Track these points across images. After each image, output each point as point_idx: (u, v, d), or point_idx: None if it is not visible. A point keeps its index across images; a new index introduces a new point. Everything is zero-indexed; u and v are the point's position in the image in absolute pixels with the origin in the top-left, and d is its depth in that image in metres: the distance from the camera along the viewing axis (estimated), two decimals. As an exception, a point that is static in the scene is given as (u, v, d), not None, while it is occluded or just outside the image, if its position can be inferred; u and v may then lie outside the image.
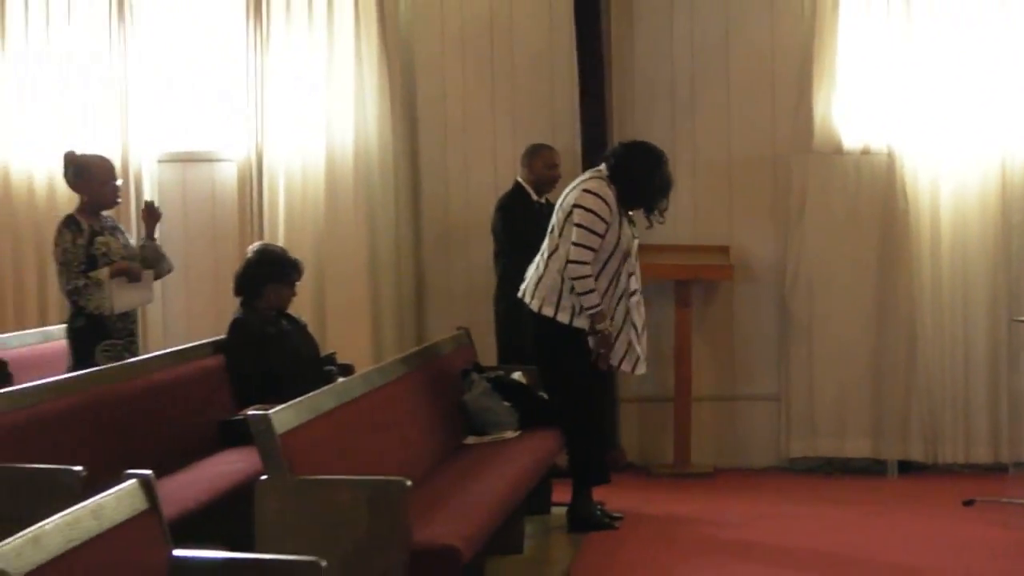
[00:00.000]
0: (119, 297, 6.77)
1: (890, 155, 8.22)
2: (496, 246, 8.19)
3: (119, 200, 7.22)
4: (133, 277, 6.85)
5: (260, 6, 8.59)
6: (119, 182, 7.22)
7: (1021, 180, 8.27)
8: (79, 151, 7.09)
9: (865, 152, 8.31)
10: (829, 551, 6.80)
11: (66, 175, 6.96)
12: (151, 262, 7.03)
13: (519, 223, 7.95)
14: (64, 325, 7.28)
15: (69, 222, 6.79)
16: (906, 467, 8.36)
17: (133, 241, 7.34)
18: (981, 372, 8.41)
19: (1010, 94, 8.22)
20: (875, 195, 8.28)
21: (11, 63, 8.73)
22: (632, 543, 6.94)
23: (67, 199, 8.07)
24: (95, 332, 6.74)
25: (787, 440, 8.46)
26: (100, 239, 6.76)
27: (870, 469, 8.42)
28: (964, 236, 8.35)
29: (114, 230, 6.99)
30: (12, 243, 8.78)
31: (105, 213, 7.01)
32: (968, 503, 7.20)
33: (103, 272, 6.67)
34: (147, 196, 8.66)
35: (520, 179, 8.15)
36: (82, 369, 6.44)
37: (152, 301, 7.55)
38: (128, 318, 6.99)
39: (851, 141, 8.35)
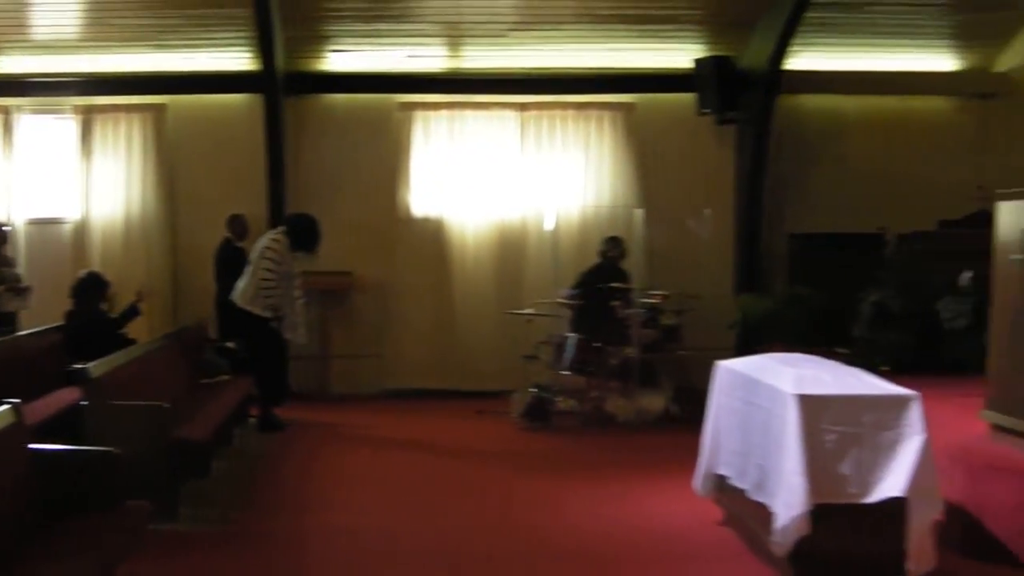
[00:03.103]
0: None
1: (440, 219, 11.49)
2: None
3: None
4: None
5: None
6: None
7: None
8: None
9: (426, 218, 11.52)
10: (408, 439, 9.11)
11: None
12: None
13: None
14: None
15: None
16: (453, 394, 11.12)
17: None
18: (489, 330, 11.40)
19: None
20: (435, 242, 11.53)
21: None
22: (303, 438, 9.07)
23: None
24: None
25: (384, 380, 11.33)
26: None
27: (427, 396, 11.05)
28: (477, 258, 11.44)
29: None
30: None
31: None
32: (480, 412, 10.14)
33: None
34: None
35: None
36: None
37: None
38: None
39: (418, 212, 11.59)
